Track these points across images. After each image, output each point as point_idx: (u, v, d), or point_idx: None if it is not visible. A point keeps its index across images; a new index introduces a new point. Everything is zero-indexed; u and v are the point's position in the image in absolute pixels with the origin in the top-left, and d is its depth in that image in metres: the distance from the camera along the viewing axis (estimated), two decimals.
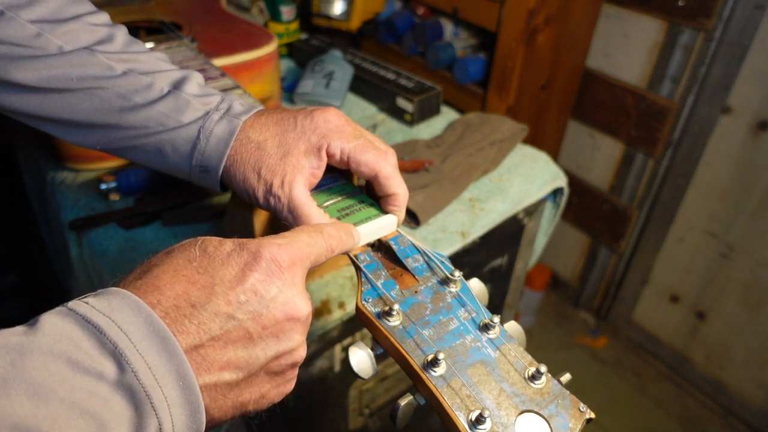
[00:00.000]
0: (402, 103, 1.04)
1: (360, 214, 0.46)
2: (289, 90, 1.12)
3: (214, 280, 0.30)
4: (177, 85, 0.48)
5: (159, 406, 0.26)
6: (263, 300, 0.31)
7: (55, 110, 0.47)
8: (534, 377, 0.34)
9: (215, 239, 0.33)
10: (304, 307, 0.33)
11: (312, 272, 0.71)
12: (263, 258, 0.32)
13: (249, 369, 0.31)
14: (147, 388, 0.26)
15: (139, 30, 0.90)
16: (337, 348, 0.73)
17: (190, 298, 0.29)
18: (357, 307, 0.39)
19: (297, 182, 0.43)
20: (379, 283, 0.40)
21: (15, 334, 0.25)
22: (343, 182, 0.50)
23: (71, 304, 0.27)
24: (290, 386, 0.35)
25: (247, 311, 0.30)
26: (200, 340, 0.29)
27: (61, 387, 0.24)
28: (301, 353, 0.34)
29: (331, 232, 0.38)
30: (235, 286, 0.30)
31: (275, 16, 1.23)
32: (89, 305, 0.27)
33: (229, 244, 0.32)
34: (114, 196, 0.78)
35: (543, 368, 0.34)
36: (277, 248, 0.33)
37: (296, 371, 0.35)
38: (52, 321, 0.26)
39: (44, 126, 0.49)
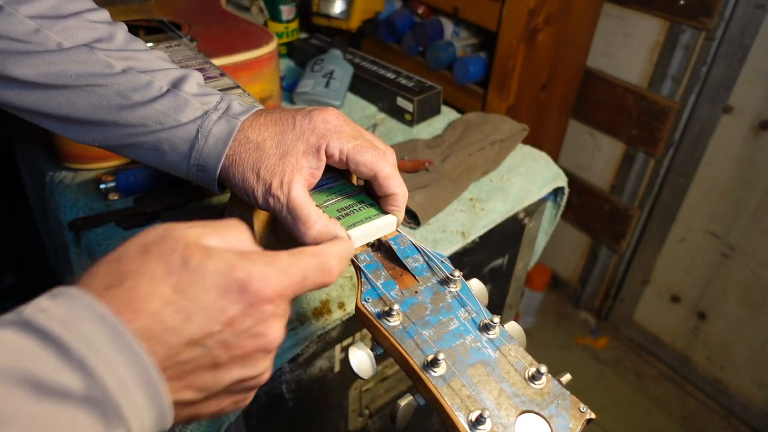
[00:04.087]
0: (402, 102, 1.04)
1: (359, 214, 0.46)
2: (289, 90, 1.12)
3: (191, 306, 0.28)
4: (176, 84, 0.47)
5: (129, 415, 0.25)
6: (236, 331, 0.30)
7: (53, 106, 0.47)
8: (534, 377, 0.34)
9: (199, 247, 0.30)
10: (275, 339, 0.32)
11: None
12: (246, 290, 0.29)
13: (210, 391, 0.31)
14: (118, 399, 0.25)
15: (138, 29, 0.90)
16: (337, 348, 0.73)
17: (164, 322, 0.28)
18: (357, 308, 0.39)
19: (296, 182, 0.43)
20: (379, 283, 0.40)
21: None
22: (343, 182, 0.49)
23: (27, 312, 0.25)
24: (247, 402, 0.35)
25: (219, 340, 0.29)
26: (166, 365, 0.28)
27: (24, 412, 0.22)
28: (265, 377, 0.33)
29: (334, 265, 0.35)
30: (211, 315, 0.29)
31: (275, 16, 1.23)
32: (48, 314, 0.25)
33: (214, 260, 0.29)
34: (113, 196, 0.78)
35: (543, 368, 0.34)
36: (265, 280, 0.30)
37: (255, 390, 0.34)
38: (9, 339, 0.24)
39: (43, 122, 0.49)
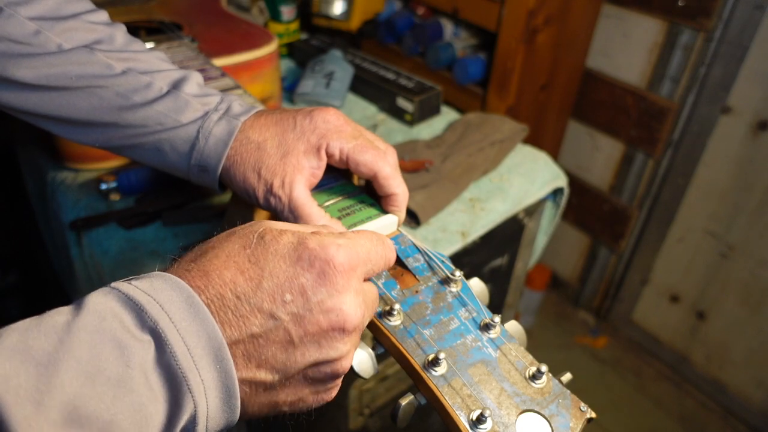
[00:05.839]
0: (402, 103, 1.04)
1: (360, 213, 0.46)
2: (289, 90, 1.12)
3: (263, 273, 0.29)
4: (176, 85, 0.48)
5: (195, 388, 0.26)
6: (308, 302, 0.29)
7: (54, 108, 0.47)
8: (535, 377, 0.34)
9: (277, 227, 0.31)
10: (352, 317, 0.30)
11: None
12: (318, 258, 0.30)
13: (286, 372, 0.30)
14: (184, 370, 0.26)
15: (139, 30, 0.90)
16: None
17: (236, 288, 0.29)
18: None
19: (297, 182, 0.43)
20: (379, 283, 0.40)
21: (62, 313, 0.26)
22: (344, 182, 0.50)
23: (114, 284, 0.28)
24: (331, 395, 0.34)
25: (290, 312, 0.29)
26: (240, 336, 0.28)
27: (106, 366, 0.24)
28: (345, 364, 0.32)
29: (390, 244, 0.35)
30: (283, 283, 0.29)
31: (275, 16, 1.23)
32: (131, 285, 0.27)
33: (288, 235, 0.31)
34: (114, 196, 0.78)
35: (544, 368, 0.34)
36: (337, 248, 0.30)
37: (339, 381, 0.33)
38: (95, 299, 0.26)
39: (43, 123, 0.49)
